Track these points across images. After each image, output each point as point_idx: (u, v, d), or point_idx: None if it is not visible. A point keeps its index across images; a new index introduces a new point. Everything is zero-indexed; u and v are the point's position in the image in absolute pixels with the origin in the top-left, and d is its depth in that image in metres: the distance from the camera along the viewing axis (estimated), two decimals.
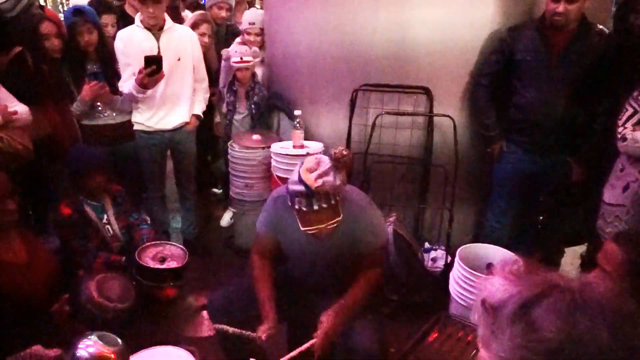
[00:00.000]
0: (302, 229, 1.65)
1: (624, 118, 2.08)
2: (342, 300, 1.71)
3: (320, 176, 1.55)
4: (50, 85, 2.69)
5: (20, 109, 2.27)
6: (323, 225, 1.63)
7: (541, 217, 2.79)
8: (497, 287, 0.71)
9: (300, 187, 1.56)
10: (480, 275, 2.03)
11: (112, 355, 1.23)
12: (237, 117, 3.33)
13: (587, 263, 2.68)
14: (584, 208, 2.58)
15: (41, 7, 3.10)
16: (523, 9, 2.68)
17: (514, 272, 0.72)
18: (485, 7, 2.63)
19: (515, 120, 2.58)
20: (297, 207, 1.60)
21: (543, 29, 2.41)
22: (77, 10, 2.79)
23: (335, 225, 1.66)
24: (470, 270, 2.09)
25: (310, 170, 1.57)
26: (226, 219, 3.66)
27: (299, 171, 1.60)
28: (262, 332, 1.66)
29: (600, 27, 2.42)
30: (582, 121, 2.44)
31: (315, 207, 1.56)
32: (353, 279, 1.78)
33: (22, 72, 2.59)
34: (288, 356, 1.60)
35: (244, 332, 1.67)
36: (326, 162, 1.61)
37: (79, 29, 2.73)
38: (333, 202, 1.60)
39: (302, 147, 2.78)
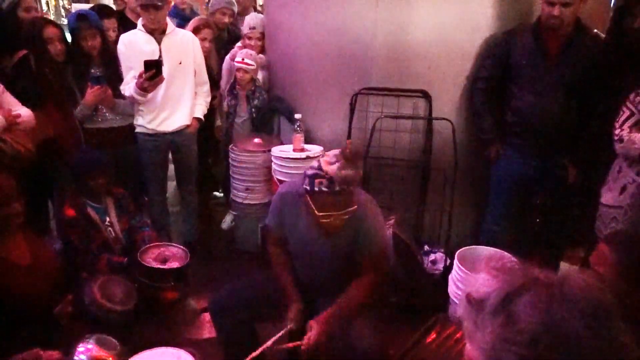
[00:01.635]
0: (318, 214, 1.67)
1: (621, 120, 2.11)
2: (335, 306, 1.73)
3: (341, 168, 1.60)
4: (53, 89, 2.71)
5: (24, 112, 2.30)
6: (339, 212, 1.66)
7: (538, 220, 2.81)
8: (481, 282, 0.74)
9: (323, 173, 1.62)
10: (468, 277, 2.05)
11: (110, 359, 1.24)
12: (238, 120, 3.36)
13: (586, 265, 2.69)
14: (582, 210, 2.59)
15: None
16: (520, 13, 2.72)
17: (498, 267, 0.74)
18: (483, 11, 2.66)
19: (512, 123, 2.60)
20: (317, 188, 1.62)
21: (538, 33, 2.44)
22: (81, 15, 2.82)
23: (347, 216, 1.69)
24: (468, 272, 2.10)
25: (331, 163, 1.62)
26: (227, 222, 3.68)
27: (319, 162, 1.66)
28: (291, 321, 1.75)
29: (595, 31, 2.45)
30: (578, 124, 2.46)
31: (337, 188, 1.60)
32: (353, 280, 1.80)
33: (26, 75, 2.63)
34: (263, 348, 1.67)
35: (268, 343, 1.72)
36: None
37: (83, 33, 2.75)
38: (352, 188, 1.65)
39: (302, 150, 2.80)
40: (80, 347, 1.23)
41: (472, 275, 0.82)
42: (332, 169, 1.60)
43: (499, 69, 2.59)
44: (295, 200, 1.78)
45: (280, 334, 1.75)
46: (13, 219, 1.59)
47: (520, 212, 2.78)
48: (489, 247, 2.36)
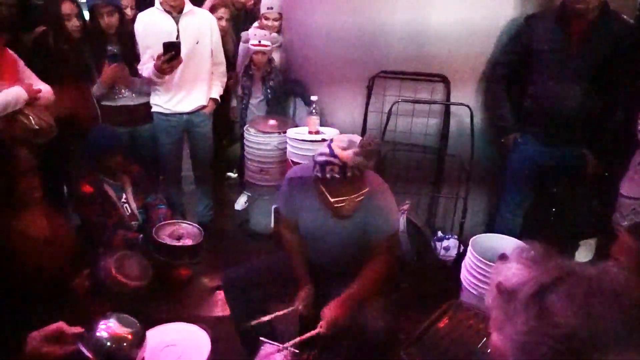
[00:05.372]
0: (332, 200, 1.65)
1: None
2: (349, 289, 1.73)
3: (355, 154, 1.57)
4: (71, 66, 2.73)
5: (44, 87, 2.32)
6: (352, 196, 1.65)
7: (554, 209, 2.77)
8: (512, 272, 0.73)
9: (334, 160, 1.58)
10: (493, 265, 2.04)
11: (130, 337, 1.27)
12: (253, 101, 3.35)
13: (601, 256, 2.66)
14: (598, 200, 2.55)
15: None
16: None
17: (530, 258, 0.73)
18: None
19: (531, 110, 2.55)
20: (328, 175, 1.60)
21: (563, 17, 2.37)
22: None
23: (361, 198, 1.68)
24: (482, 260, 2.09)
25: (343, 148, 1.59)
26: (241, 202, 3.70)
27: (330, 146, 1.62)
28: (300, 302, 1.75)
29: (624, 16, 2.37)
30: (599, 112, 2.40)
31: (349, 174, 1.58)
32: (365, 262, 1.80)
33: (44, 52, 2.64)
34: (291, 342, 1.65)
35: (278, 313, 1.73)
36: (356, 143, 1.63)
37: (100, 10, 2.75)
38: (363, 172, 1.63)
39: (317, 133, 2.79)
40: (102, 324, 1.25)
41: (500, 263, 0.81)
42: (346, 155, 1.57)
43: (519, 54, 2.53)
44: (306, 185, 1.77)
45: (287, 310, 1.75)
46: (31, 192, 1.61)
47: (535, 201, 2.75)
48: (503, 235, 2.35)
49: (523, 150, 2.62)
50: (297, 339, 1.66)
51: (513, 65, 2.57)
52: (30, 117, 2.18)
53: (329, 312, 1.67)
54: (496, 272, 0.78)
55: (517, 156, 2.65)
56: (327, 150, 1.62)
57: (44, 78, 2.40)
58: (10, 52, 2.29)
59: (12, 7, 2.54)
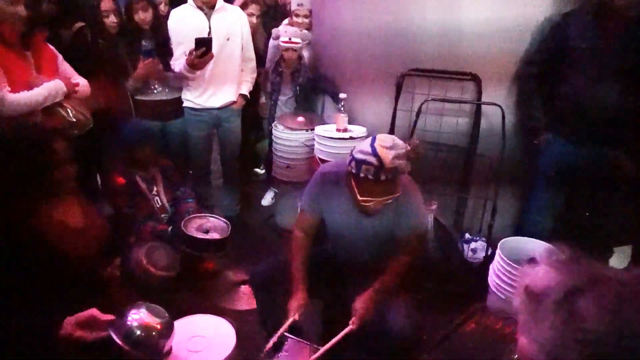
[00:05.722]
0: (360, 198, 1.64)
1: None
2: (375, 285, 1.73)
3: (396, 157, 1.56)
4: (106, 61, 2.81)
5: (81, 81, 2.40)
6: (382, 199, 1.64)
7: (588, 214, 2.69)
8: (541, 275, 0.71)
9: (373, 159, 1.56)
10: (522, 269, 1.99)
11: (159, 327, 1.30)
12: (282, 98, 3.37)
13: (637, 264, 2.56)
14: (634, 205, 2.46)
15: None
16: None
17: (560, 261, 0.72)
18: None
19: (564, 110, 2.47)
20: (362, 175, 1.59)
21: (600, 14, 2.29)
22: None
23: (390, 201, 1.66)
24: (511, 263, 2.05)
25: (386, 148, 1.57)
26: (267, 198, 3.73)
27: (372, 145, 1.59)
28: (294, 311, 1.70)
29: None
30: (635, 113, 2.31)
31: (383, 178, 1.57)
32: (390, 260, 1.79)
33: (82, 47, 2.72)
34: (327, 346, 1.60)
35: (280, 331, 1.67)
36: (401, 145, 1.62)
37: (135, 6, 2.82)
38: (399, 176, 1.62)
39: (345, 130, 2.78)
40: (133, 313, 1.29)
41: (529, 265, 0.79)
42: (387, 154, 1.55)
43: (554, 53, 2.46)
44: (337, 181, 1.77)
45: (287, 323, 1.68)
46: (67, 183, 1.66)
47: (567, 204, 2.67)
48: (533, 239, 2.29)
49: (555, 151, 2.55)
50: (334, 340, 1.61)
51: (547, 64, 2.50)
52: (68, 110, 2.26)
53: (360, 306, 1.67)
54: (524, 274, 0.76)
55: (548, 157, 2.58)
56: (368, 149, 1.59)
57: (81, 72, 2.48)
58: (51, 47, 2.37)
59: (54, 4, 2.64)
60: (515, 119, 2.72)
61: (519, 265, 2.04)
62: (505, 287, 2.07)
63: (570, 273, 0.68)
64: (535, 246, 2.24)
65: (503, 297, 2.08)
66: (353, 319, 1.66)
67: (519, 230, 2.75)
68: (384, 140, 1.60)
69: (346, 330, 1.65)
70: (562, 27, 2.42)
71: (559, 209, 2.66)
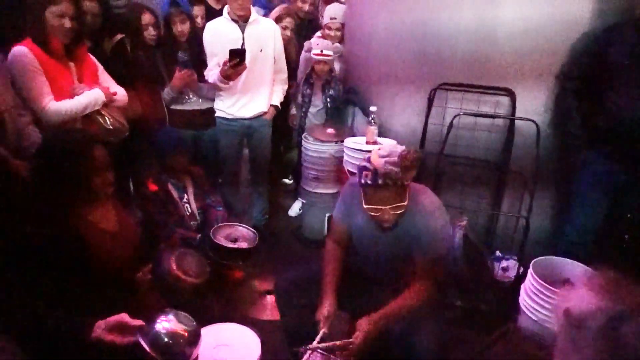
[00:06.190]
0: (365, 206, 1.69)
1: None
2: (386, 309, 1.69)
3: (388, 163, 1.61)
4: (144, 71, 2.90)
5: (120, 91, 2.49)
6: (386, 207, 1.66)
7: (627, 236, 2.58)
8: (582, 299, 0.68)
9: (368, 164, 1.65)
10: (556, 290, 1.92)
11: (186, 334, 1.32)
12: (312, 109, 3.39)
13: None
14: None
15: None
16: (622, 8, 2.47)
17: (601, 285, 0.69)
18: (579, 5, 2.46)
19: (604, 128, 2.39)
20: (362, 180, 1.66)
21: None
22: (173, 1, 2.98)
23: (399, 212, 1.68)
24: (544, 284, 1.99)
25: (381, 155, 1.65)
26: (295, 209, 3.74)
27: (372, 152, 1.69)
28: (322, 321, 1.70)
29: None
30: None
31: (380, 181, 1.62)
32: (412, 278, 1.76)
33: (121, 58, 2.82)
34: (322, 345, 1.63)
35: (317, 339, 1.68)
36: (397, 152, 1.66)
37: (174, 19, 2.91)
38: (399, 183, 1.63)
39: (375, 143, 2.78)
40: (161, 320, 1.31)
41: (569, 288, 0.76)
42: (379, 161, 1.62)
43: (594, 68, 2.39)
44: (356, 192, 1.78)
45: (318, 337, 1.68)
46: (105, 188, 1.71)
47: (606, 225, 2.57)
48: (568, 260, 2.22)
49: (593, 170, 2.46)
50: (330, 343, 1.65)
51: (587, 80, 2.44)
52: (106, 117, 2.35)
53: (365, 325, 1.64)
54: (563, 297, 0.74)
55: (586, 175, 2.50)
56: (367, 156, 1.69)
57: (119, 82, 2.57)
58: (92, 57, 2.47)
59: (96, 16, 2.75)
60: (550, 135, 2.65)
61: (552, 286, 1.97)
62: (538, 308, 2.00)
63: (612, 298, 0.66)
64: (571, 267, 2.16)
65: (535, 318, 2.02)
66: (357, 333, 1.63)
67: (551, 250, 2.66)
68: (382, 149, 1.69)
69: (347, 341, 1.63)
70: (603, 42, 2.35)
71: (597, 230, 2.56)
